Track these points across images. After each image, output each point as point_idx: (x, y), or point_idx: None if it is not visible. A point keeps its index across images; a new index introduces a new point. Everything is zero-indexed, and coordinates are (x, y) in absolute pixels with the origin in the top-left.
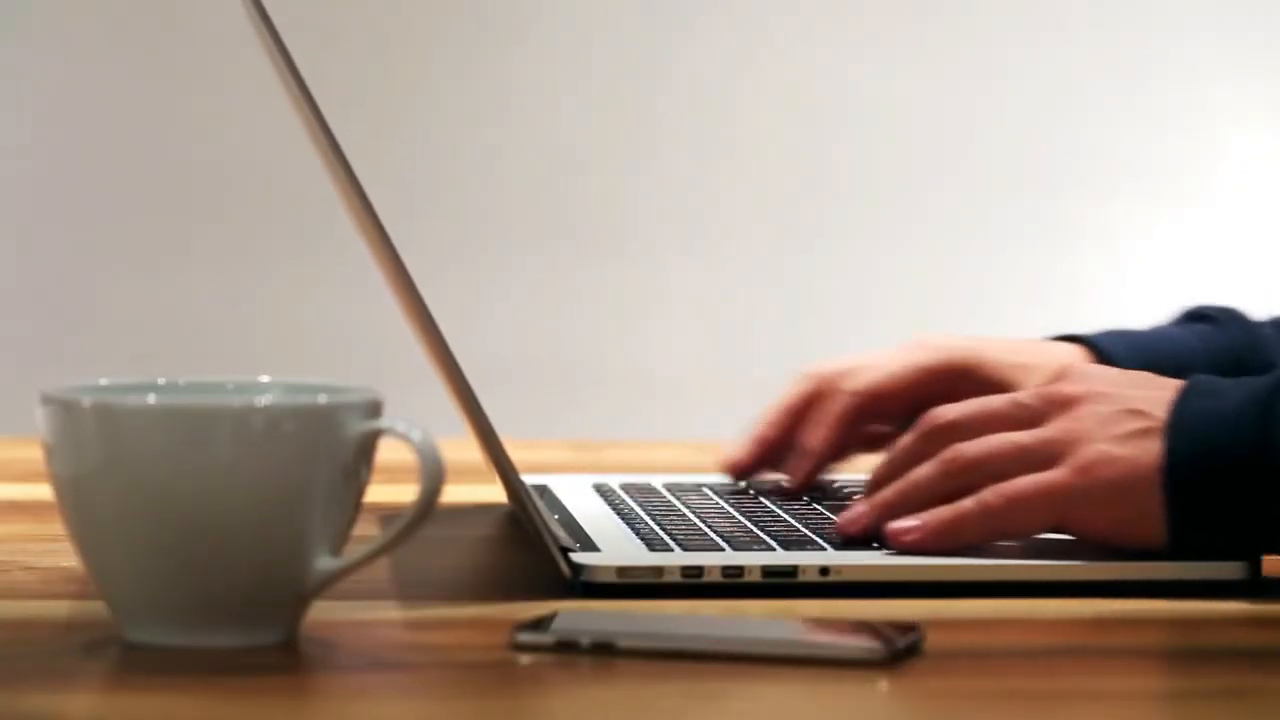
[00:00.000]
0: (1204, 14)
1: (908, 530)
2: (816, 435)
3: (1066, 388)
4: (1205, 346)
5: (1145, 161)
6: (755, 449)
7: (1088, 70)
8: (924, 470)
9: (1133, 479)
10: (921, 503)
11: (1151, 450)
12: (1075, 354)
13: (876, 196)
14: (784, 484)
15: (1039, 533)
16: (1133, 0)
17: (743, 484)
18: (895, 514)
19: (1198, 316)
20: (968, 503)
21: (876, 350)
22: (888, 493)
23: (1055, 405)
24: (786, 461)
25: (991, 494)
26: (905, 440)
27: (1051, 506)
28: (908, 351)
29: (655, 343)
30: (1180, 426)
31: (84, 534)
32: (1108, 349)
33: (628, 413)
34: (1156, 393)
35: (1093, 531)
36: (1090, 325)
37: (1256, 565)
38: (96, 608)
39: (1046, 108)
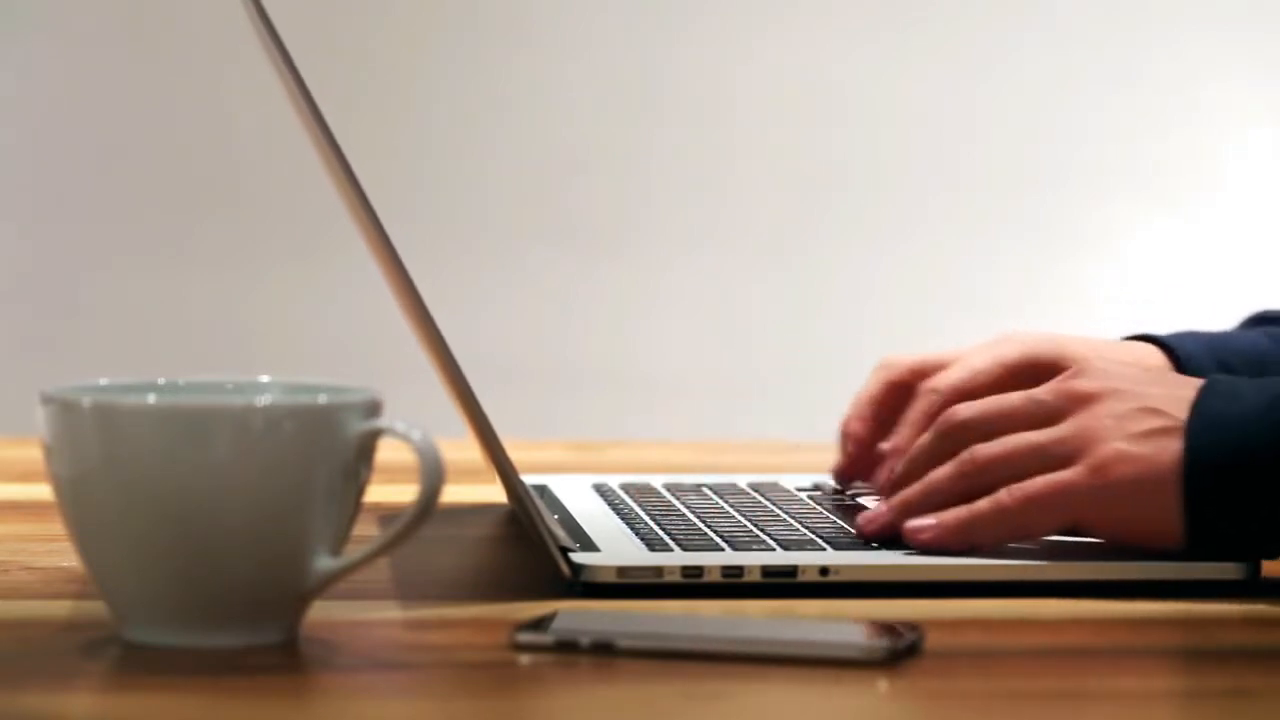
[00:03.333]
0: (1205, 14)
1: (924, 529)
2: (906, 438)
3: (1084, 384)
4: (1278, 347)
5: (1145, 161)
6: (852, 448)
7: (1088, 70)
8: (942, 472)
9: (1149, 478)
10: (940, 504)
11: (1169, 449)
12: (1152, 354)
13: (876, 196)
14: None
15: (1053, 532)
16: (1133, 0)
17: (844, 490)
18: (914, 514)
19: (1267, 319)
20: (983, 503)
21: (957, 345)
22: (907, 493)
23: (1073, 401)
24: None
25: (1007, 494)
26: (923, 440)
27: (1066, 506)
28: (991, 346)
29: (655, 343)
30: (1200, 426)
31: (84, 534)
32: (1182, 349)
33: (628, 413)
34: (1175, 391)
35: (1107, 531)
36: (1089, 327)
37: (1256, 565)
38: (96, 608)
39: (1046, 107)
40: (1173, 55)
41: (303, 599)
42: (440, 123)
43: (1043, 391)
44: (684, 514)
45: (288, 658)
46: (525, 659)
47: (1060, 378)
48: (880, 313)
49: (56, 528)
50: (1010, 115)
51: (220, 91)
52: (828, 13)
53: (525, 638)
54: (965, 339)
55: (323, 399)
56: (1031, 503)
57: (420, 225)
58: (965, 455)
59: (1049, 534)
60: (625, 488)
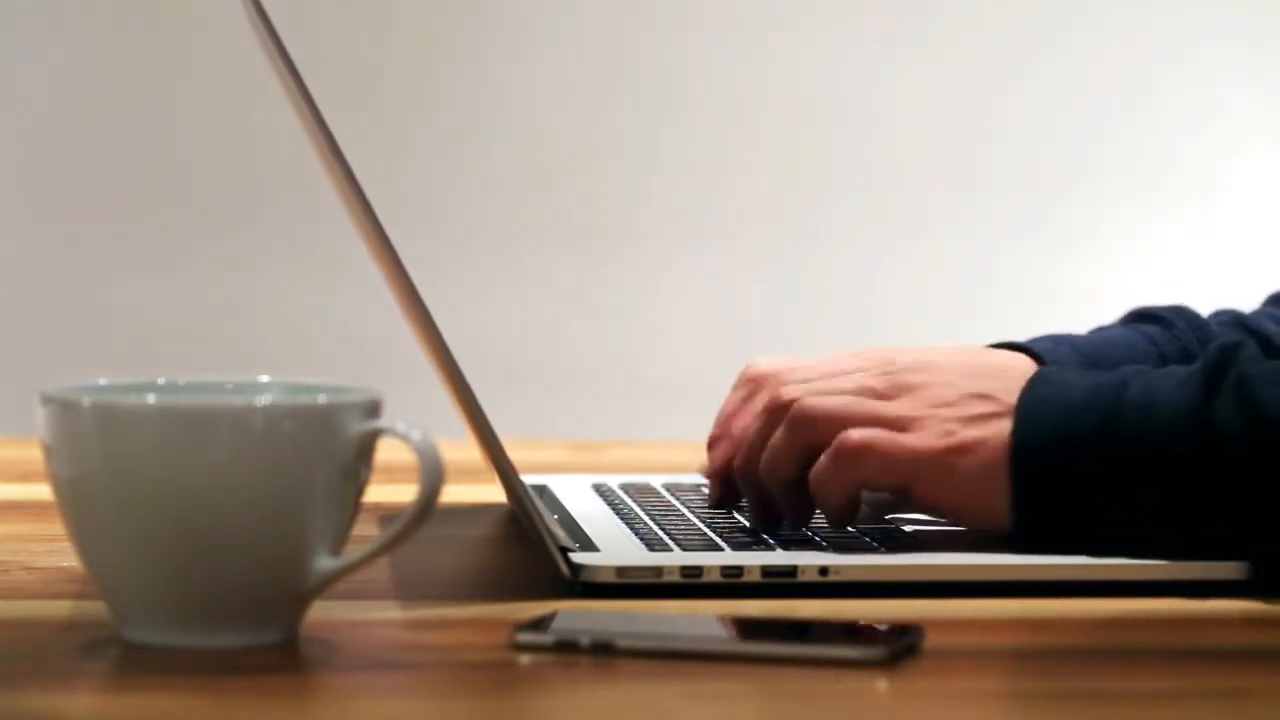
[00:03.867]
0: (1206, 15)
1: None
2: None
3: (911, 376)
4: (1155, 348)
5: (1146, 162)
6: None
7: (1089, 71)
8: (776, 437)
9: (979, 459)
10: (776, 459)
11: (999, 431)
12: (1022, 362)
13: (877, 196)
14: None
15: (883, 488)
16: (1135, 1)
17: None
18: (750, 470)
19: (1145, 317)
20: (823, 456)
21: (821, 356)
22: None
23: (901, 389)
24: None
25: (847, 435)
26: (758, 426)
27: (910, 467)
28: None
29: (655, 343)
30: (1028, 412)
31: (84, 534)
32: (1052, 357)
33: (628, 413)
34: (1008, 382)
35: (938, 504)
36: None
37: (1256, 565)
38: (96, 608)
39: (1049, 108)
40: (1175, 56)
41: (303, 599)
42: (440, 122)
43: (870, 378)
44: (684, 514)
45: (288, 658)
46: (525, 659)
47: (889, 367)
48: (880, 313)
49: (56, 528)
50: (1011, 116)
51: (221, 92)
52: (828, 13)
53: (525, 638)
54: (965, 339)
55: (322, 399)
56: (874, 450)
57: (420, 225)
58: (795, 409)
59: (877, 488)
60: (625, 488)
